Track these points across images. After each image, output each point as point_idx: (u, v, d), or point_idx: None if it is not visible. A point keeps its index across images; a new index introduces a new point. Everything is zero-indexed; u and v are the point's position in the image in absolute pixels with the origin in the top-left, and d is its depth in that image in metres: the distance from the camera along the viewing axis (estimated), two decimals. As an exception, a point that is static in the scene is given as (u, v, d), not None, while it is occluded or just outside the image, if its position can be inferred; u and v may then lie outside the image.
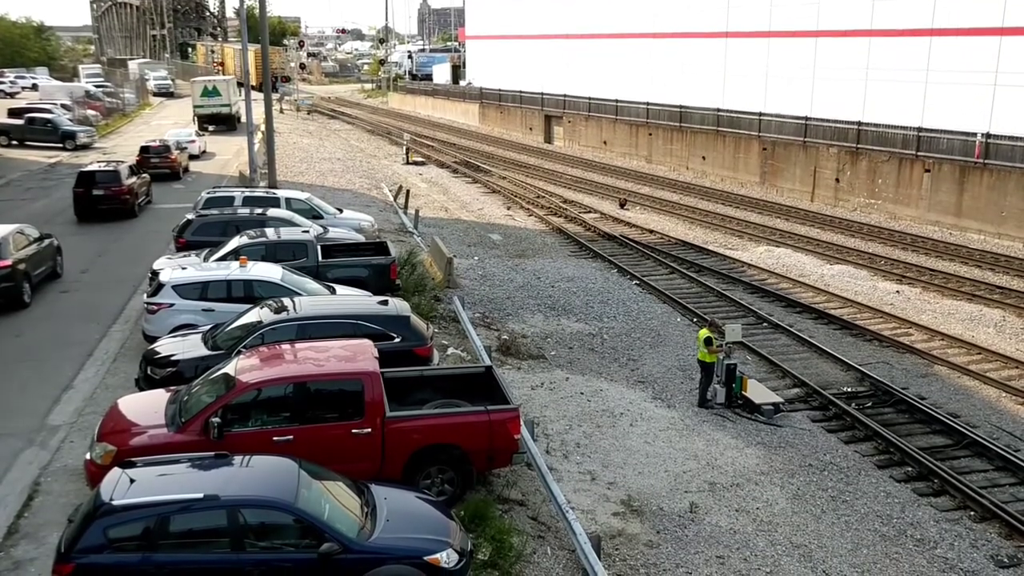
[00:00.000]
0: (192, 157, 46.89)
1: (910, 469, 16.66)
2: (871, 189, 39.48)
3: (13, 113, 56.19)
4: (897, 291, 27.96)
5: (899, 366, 21.77)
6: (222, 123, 62.87)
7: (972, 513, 15.23)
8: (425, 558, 10.34)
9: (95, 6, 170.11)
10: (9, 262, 21.47)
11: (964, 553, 14.00)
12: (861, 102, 42.12)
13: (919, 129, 37.62)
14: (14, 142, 52.08)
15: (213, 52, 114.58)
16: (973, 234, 34.70)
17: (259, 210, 25.84)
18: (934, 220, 36.47)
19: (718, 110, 49.22)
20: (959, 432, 17.86)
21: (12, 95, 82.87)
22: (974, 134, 35.30)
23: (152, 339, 17.68)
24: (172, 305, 18.19)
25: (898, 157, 38.26)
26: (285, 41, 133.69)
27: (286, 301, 16.83)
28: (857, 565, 13.47)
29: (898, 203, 38.23)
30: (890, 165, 38.56)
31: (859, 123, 40.41)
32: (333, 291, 19.04)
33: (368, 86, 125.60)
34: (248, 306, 17.07)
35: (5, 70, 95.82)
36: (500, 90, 74.64)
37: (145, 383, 15.57)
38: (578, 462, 16.00)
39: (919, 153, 37.39)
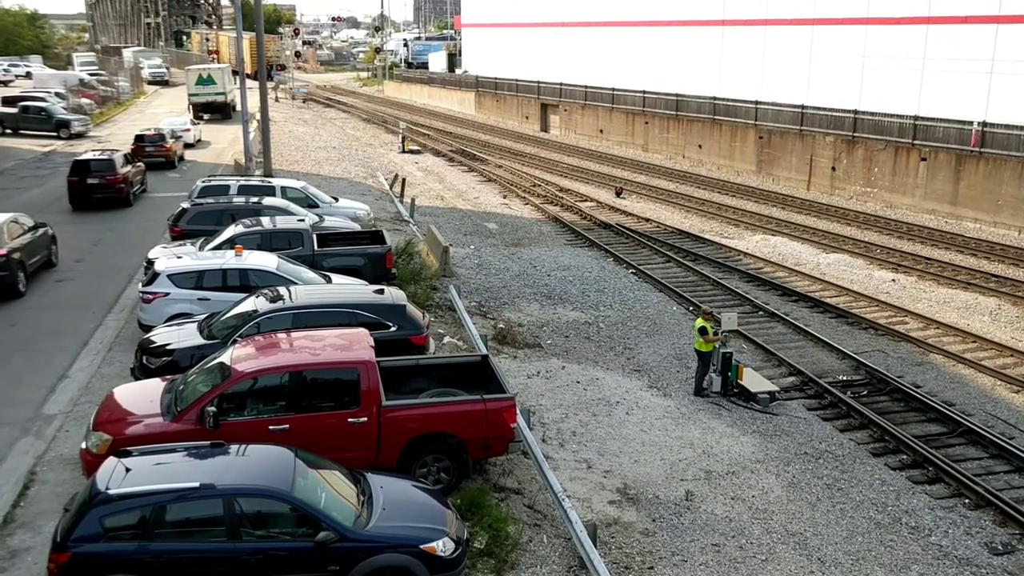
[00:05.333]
0: (187, 146, 46.74)
1: (905, 457, 16.71)
2: (867, 178, 39.47)
3: (7, 101, 55.86)
4: (893, 279, 28.00)
5: (894, 354, 21.82)
6: (217, 111, 62.64)
7: (967, 501, 15.28)
8: (421, 546, 10.37)
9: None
10: (4, 251, 21.39)
11: (959, 540, 14.06)
12: (857, 90, 42.07)
13: (915, 117, 37.61)
14: (8, 130, 51.83)
15: (208, 40, 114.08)
16: (969, 223, 34.73)
17: (254, 199, 25.78)
18: (930, 209, 36.50)
19: (714, 98, 49.14)
20: (954, 420, 17.91)
21: (6, 83, 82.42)
22: (970, 122, 35.29)
23: (147, 328, 17.66)
24: (167, 294, 18.16)
25: (894, 145, 38.25)
26: (280, 29, 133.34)
27: (281, 290, 16.81)
28: (852, 552, 13.52)
29: (894, 192, 38.23)
30: (886, 154, 38.55)
31: (855, 111, 40.37)
32: (329, 280, 19.01)
33: (364, 74, 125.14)
34: (243, 295, 17.05)
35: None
36: (496, 78, 74.43)
37: (141, 372, 15.57)
38: (574, 451, 16.03)
39: (915, 141, 37.38)
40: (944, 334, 23.14)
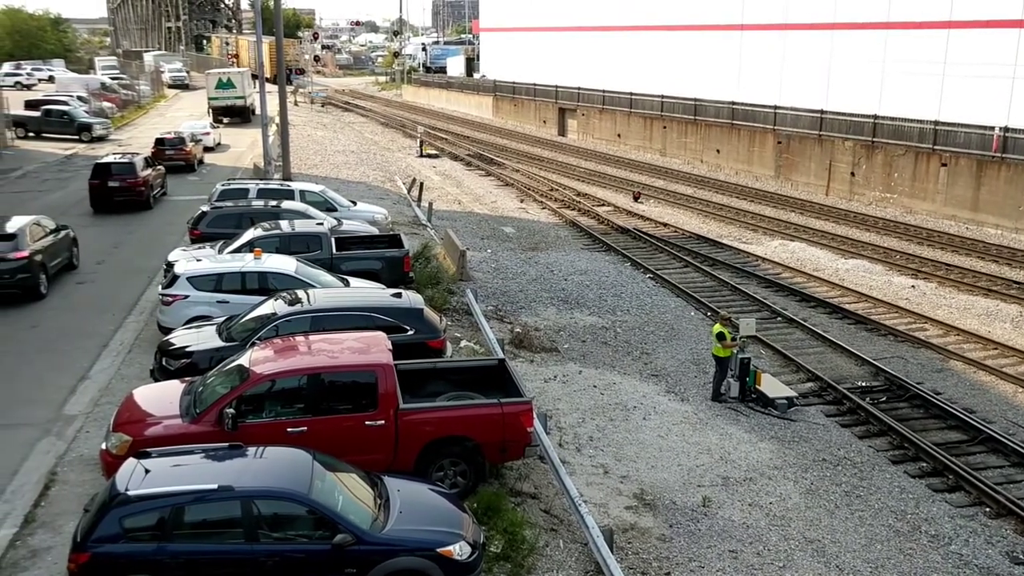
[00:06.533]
0: (207, 149, 47.06)
1: (925, 464, 16.58)
2: (887, 183, 39.23)
3: (30, 105, 56.46)
4: (912, 286, 27.79)
5: (914, 361, 21.65)
6: (236, 115, 63.02)
7: (988, 509, 15.14)
8: (438, 550, 10.38)
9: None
10: (26, 253, 21.59)
11: (979, 549, 13.93)
12: (877, 95, 41.84)
13: (936, 123, 37.35)
14: (31, 134, 52.38)
15: (228, 44, 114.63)
16: (990, 228, 34.44)
17: (273, 202, 25.90)
18: (950, 214, 36.22)
19: (733, 103, 48.99)
20: (975, 428, 17.75)
21: (29, 87, 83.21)
22: (992, 128, 35.01)
23: (167, 330, 17.77)
24: (187, 297, 18.28)
25: (914, 151, 38.00)
26: (299, 33, 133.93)
27: (300, 293, 16.90)
28: (871, 560, 13.42)
29: (914, 197, 37.98)
30: (906, 159, 38.29)
31: (875, 116, 40.14)
32: (347, 283, 19.08)
33: (382, 79, 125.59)
34: (262, 298, 17.13)
35: (22, 62, 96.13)
36: (514, 83, 74.51)
37: (160, 374, 15.66)
38: (591, 455, 16.00)
39: (936, 147, 37.12)
40: (964, 341, 22.94)
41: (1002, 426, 18.11)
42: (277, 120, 39.96)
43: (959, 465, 16.17)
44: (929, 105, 38.87)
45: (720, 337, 18.55)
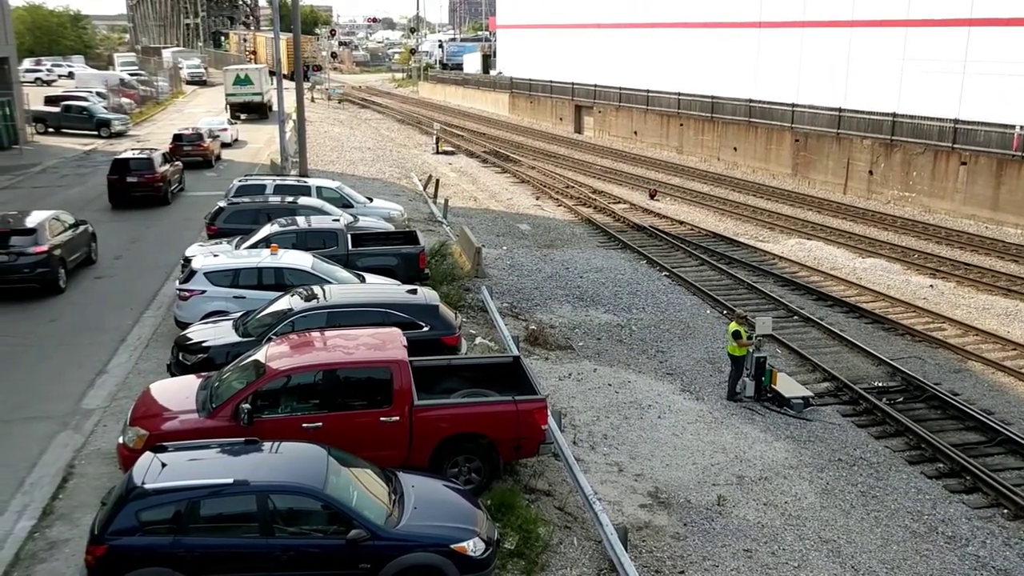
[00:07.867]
0: (224, 145, 47.27)
1: (942, 465, 16.46)
2: (905, 182, 38.94)
3: (50, 101, 57.01)
4: (931, 285, 27.59)
5: (932, 361, 21.50)
6: (254, 111, 63.23)
7: (1005, 511, 15.02)
8: (452, 546, 10.39)
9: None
10: (45, 248, 21.78)
11: (996, 551, 13.83)
12: (896, 93, 41.53)
13: (955, 121, 37.03)
14: (50, 129, 52.82)
15: (245, 41, 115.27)
16: (1010, 228, 34.14)
17: (290, 198, 25.99)
18: (970, 214, 35.92)
19: (750, 101, 48.76)
20: (993, 429, 17.61)
21: (49, 83, 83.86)
22: (1013, 126, 34.67)
23: (184, 325, 17.87)
24: (204, 292, 18.37)
25: (933, 149, 37.70)
26: (317, 30, 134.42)
27: (316, 289, 16.93)
28: (887, 561, 13.34)
29: (933, 196, 37.69)
30: (925, 158, 38.00)
31: (894, 115, 39.84)
32: (363, 280, 19.12)
33: (399, 75, 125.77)
34: (278, 294, 17.20)
35: (42, 58, 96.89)
36: (530, 80, 74.43)
37: (177, 369, 15.75)
38: (605, 453, 15.98)
39: (955, 145, 36.82)
40: (983, 341, 22.76)
41: (1021, 428, 17.95)
42: (294, 116, 40.12)
43: (977, 466, 16.05)
44: (949, 103, 38.56)
45: (736, 336, 18.48)
